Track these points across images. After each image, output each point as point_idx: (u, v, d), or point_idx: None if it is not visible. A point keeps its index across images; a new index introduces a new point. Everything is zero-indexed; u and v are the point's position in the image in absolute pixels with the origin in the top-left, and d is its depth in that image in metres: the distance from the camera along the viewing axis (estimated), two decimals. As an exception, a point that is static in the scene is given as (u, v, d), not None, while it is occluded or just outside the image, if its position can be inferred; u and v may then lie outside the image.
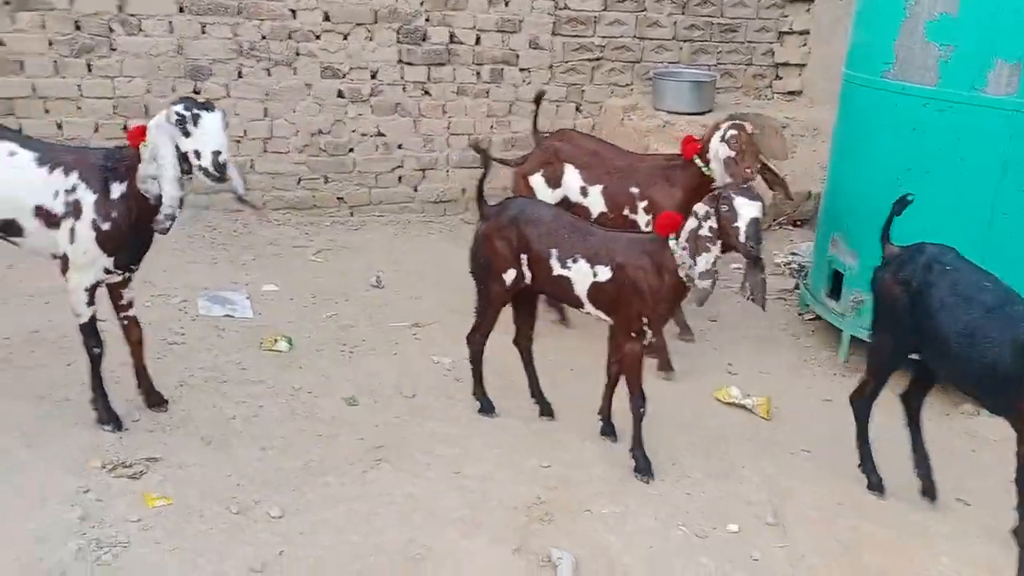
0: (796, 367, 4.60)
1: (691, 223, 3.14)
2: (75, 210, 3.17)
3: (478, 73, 6.60)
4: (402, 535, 3.02)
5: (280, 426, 3.62)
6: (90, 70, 5.66)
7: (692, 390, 4.25)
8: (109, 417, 3.38)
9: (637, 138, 6.54)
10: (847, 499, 3.42)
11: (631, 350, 3.39)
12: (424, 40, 6.37)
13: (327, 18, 6.09)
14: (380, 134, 6.44)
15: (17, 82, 5.52)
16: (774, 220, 6.36)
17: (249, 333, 4.46)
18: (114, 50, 5.69)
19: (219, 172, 3.07)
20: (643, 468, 3.48)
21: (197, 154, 3.05)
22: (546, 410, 3.89)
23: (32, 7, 5.44)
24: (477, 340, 3.76)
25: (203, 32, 5.84)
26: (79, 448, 3.21)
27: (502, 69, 6.65)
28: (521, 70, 6.71)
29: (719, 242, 3.10)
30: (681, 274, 3.17)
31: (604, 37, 6.83)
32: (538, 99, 4.99)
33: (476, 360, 3.82)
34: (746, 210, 3.03)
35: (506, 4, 6.52)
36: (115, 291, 3.45)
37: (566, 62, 6.80)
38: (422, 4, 6.29)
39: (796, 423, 4.03)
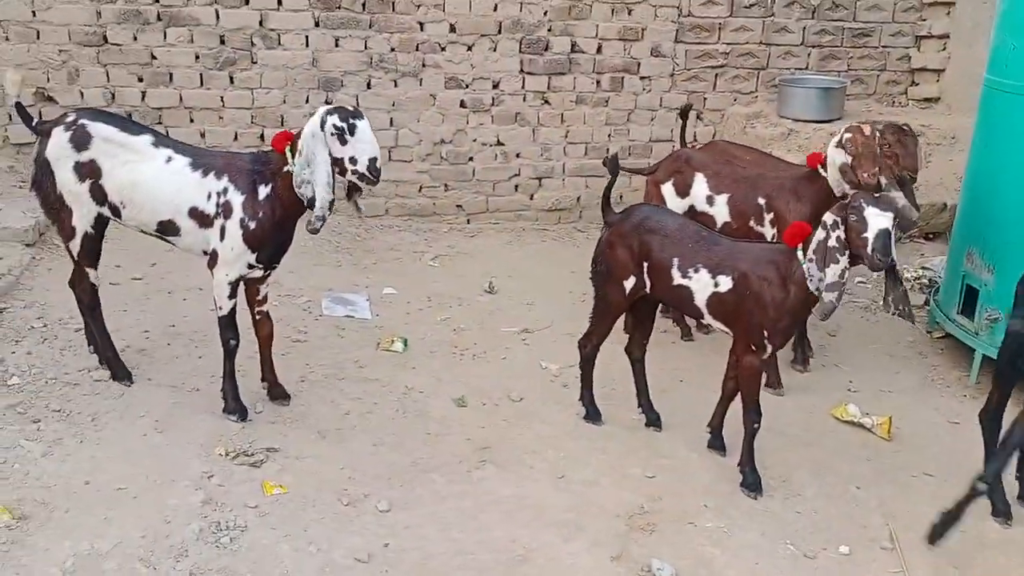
0: (922, 387, 4.38)
1: (819, 233, 3.03)
2: (226, 210, 3.40)
3: (598, 82, 6.62)
4: (505, 534, 3.07)
5: (392, 423, 3.76)
6: (232, 82, 6.03)
7: (808, 406, 4.12)
8: (236, 407, 3.59)
9: (760, 146, 6.37)
10: (970, 526, 3.23)
11: (749, 363, 3.31)
12: (546, 50, 6.45)
13: (453, 30, 6.26)
14: (499, 143, 6.56)
15: (166, 93, 5.94)
16: (904, 233, 6.06)
17: (367, 333, 4.63)
18: (254, 63, 6.04)
19: (376, 176, 3.32)
20: (752, 483, 3.41)
21: (353, 160, 3.27)
22: (653, 420, 3.86)
23: (182, 23, 5.85)
24: (590, 346, 3.76)
25: (336, 45, 6.12)
26: (206, 435, 3.43)
27: (622, 77, 6.65)
28: (642, 78, 6.69)
29: (847, 253, 2.97)
30: (810, 286, 3.04)
31: (729, 44, 6.71)
32: (685, 112, 4.95)
33: (587, 366, 3.83)
34: (876, 221, 2.89)
35: (629, 12, 6.51)
36: (252, 287, 3.67)
37: (688, 69, 6.72)
38: (545, 14, 6.38)
39: (919, 445, 3.84)
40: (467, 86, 6.39)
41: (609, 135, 6.78)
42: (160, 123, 5.96)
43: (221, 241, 3.43)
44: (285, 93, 6.13)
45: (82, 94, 5.83)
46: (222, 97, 6.03)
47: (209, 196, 3.42)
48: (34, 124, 3.51)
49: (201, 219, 3.44)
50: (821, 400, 4.16)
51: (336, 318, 4.82)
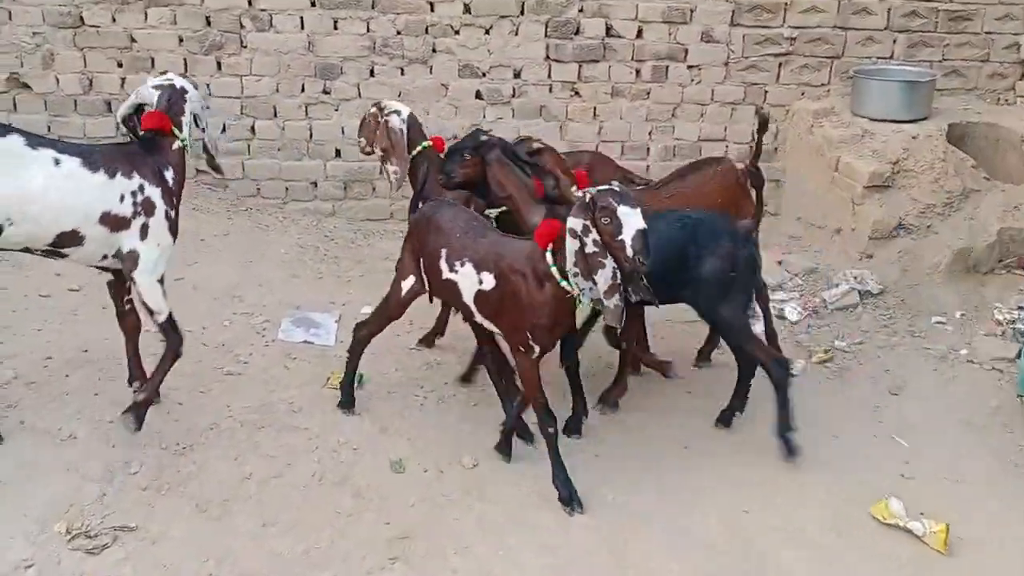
0: (1001, 474, 3.39)
1: (571, 244, 2.70)
2: (147, 208, 3.13)
3: (637, 71, 5.72)
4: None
5: (298, 494, 3.05)
6: (220, 68, 5.43)
7: (843, 496, 3.19)
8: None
9: (827, 149, 5.37)
10: None
11: (521, 365, 3.09)
12: (576, 34, 5.59)
13: (468, 10, 5.48)
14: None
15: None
16: (999, 262, 4.94)
17: (320, 365, 3.94)
18: (244, 47, 5.42)
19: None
20: (566, 498, 3.06)
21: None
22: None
23: (164, 3, 5.27)
24: (365, 332, 3.57)
25: (335, 28, 5.43)
26: (53, 503, 2.80)
27: (667, 66, 5.72)
28: (690, 67, 5.75)
29: (608, 256, 2.68)
30: (584, 301, 2.80)
31: (796, 27, 5.69)
32: (764, 123, 3.85)
33: (355, 350, 3.57)
34: (631, 220, 2.62)
35: (675, -10, 5.59)
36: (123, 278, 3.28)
37: (745, 58, 5.74)
38: (577, -8, 5.53)
39: (986, 564, 2.86)
40: (484, 75, 5.61)
41: (650, 133, 5.88)
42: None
43: (143, 240, 3.13)
44: (278, 81, 5.49)
45: (57, 80, 5.34)
46: (208, 84, 5.43)
47: (123, 198, 3.09)
48: None
49: (114, 223, 3.08)
50: (861, 488, 3.21)
51: (291, 344, 4.14)
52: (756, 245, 3.45)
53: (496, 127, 5.61)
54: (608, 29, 5.61)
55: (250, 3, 5.33)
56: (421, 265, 3.35)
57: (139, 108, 3.25)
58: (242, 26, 5.37)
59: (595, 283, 2.71)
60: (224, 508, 2.92)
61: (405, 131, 3.89)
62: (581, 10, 5.55)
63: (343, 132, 5.59)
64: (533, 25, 5.54)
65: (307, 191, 5.71)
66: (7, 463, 2.92)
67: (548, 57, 5.62)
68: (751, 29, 5.69)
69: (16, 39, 5.23)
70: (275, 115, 5.54)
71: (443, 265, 3.18)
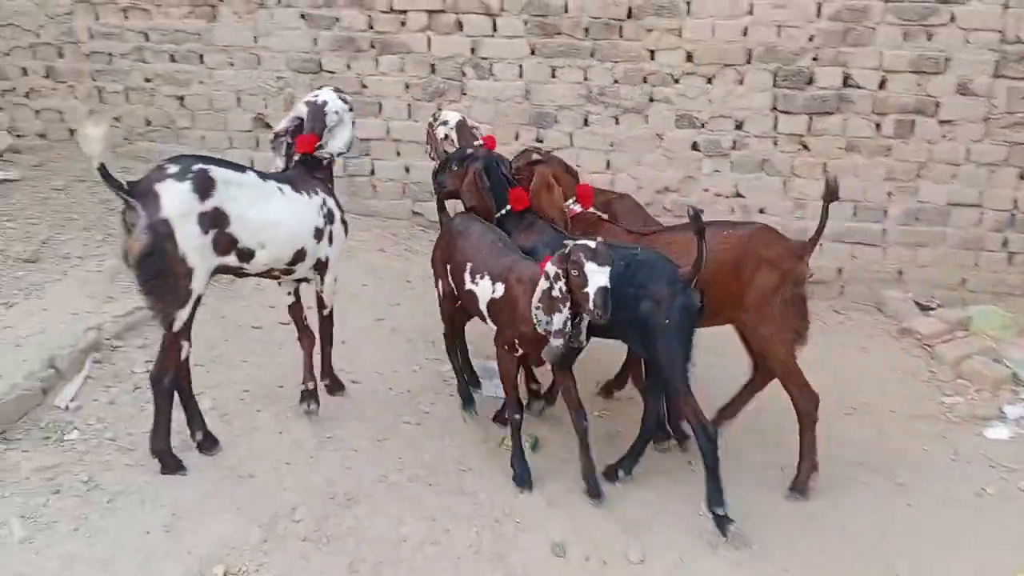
0: None
1: (543, 283, 3.07)
2: (330, 217, 3.59)
3: (878, 125, 5.18)
4: None
5: (450, 566, 2.96)
6: (440, 114, 5.58)
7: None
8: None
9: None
10: None
11: (501, 359, 3.49)
12: (809, 84, 5.17)
13: (690, 58, 5.24)
14: (738, 195, 5.39)
15: (374, 124, 5.64)
16: None
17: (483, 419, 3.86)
18: (464, 94, 5.54)
19: None
20: (518, 478, 3.43)
21: None
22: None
23: (394, 51, 5.51)
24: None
25: (552, 76, 5.41)
26: (216, 545, 2.87)
27: (913, 120, 5.14)
28: (941, 122, 5.12)
29: (568, 303, 3.01)
30: (539, 329, 3.12)
31: (1078, 80, 4.89)
32: (832, 193, 3.39)
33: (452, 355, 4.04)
34: (596, 277, 2.90)
35: (929, 37, 5.01)
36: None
37: (1010, 113, 5.01)
38: (811, 40, 5.11)
39: None
40: (702, 125, 5.32)
41: (889, 193, 5.31)
42: (368, 155, 5.70)
43: (331, 246, 3.62)
44: (494, 128, 5.51)
45: (296, 122, 5.72)
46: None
47: (319, 212, 3.54)
48: (125, 188, 2.90)
49: (319, 236, 3.54)
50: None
51: (481, 397, 4.09)
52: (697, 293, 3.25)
53: (712, 180, 5.36)
54: (846, 79, 5.13)
55: (473, 51, 5.43)
56: (448, 271, 3.70)
57: (299, 123, 3.62)
58: (464, 74, 5.49)
59: (552, 320, 3.03)
60: (375, 571, 2.87)
61: (455, 139, 4.15)
62: (815, 58, 5.13)
63: (553, 180, 5.53)
64: (760, 74, 5.19)
65: (513, 237, 5.70)
66: (188, 495, 3.07)
67: (775, 108, 5.24)
68: (1019, 82, 4.96)
69: (263, 83, 5.68)
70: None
71: (467, 277, 3.52)
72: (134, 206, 2.88)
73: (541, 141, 5.50)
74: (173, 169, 3.02)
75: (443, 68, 5.50)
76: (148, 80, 5.82)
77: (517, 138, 5.52)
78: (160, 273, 2.96)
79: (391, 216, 5.78)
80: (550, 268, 3.01)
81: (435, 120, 4.26)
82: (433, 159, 4.18)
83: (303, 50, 5.58)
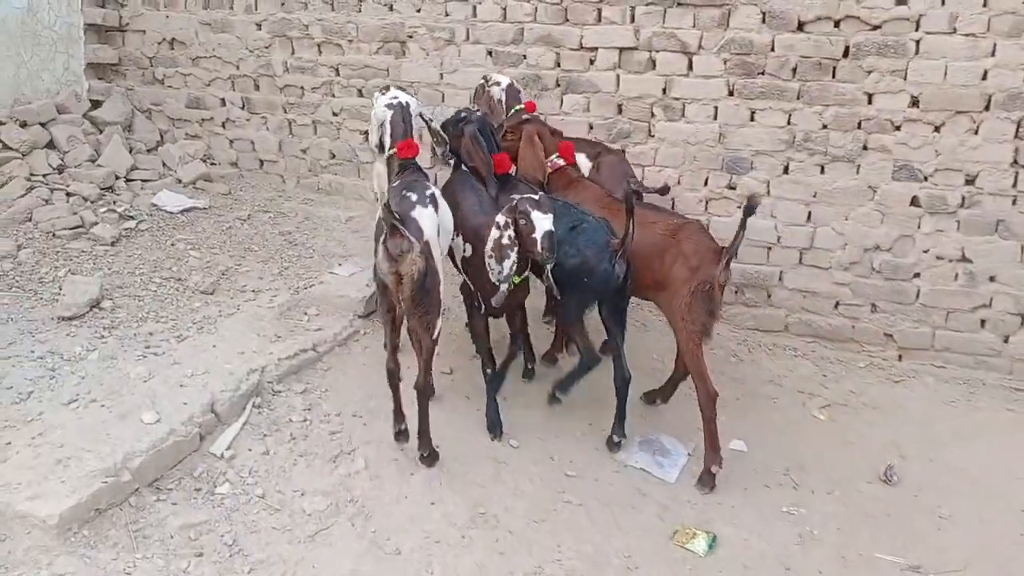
0: None
1: (494, 233, 3.40)
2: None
3: None
4: None
5: None
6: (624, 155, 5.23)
7: None
8: None
9: None
10: None
11: (471, 315, 3.93)
12: (1063, 135, 4.39)
13: (915, 103, 4.60)
14: (964, 259, 4.66)
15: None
16: None
17: (672, 509, 3.43)
18: (651, 136, 5.15)
19: None
20: (491, 424, 3.80)
21: None
22: None
23: (580, 90, 5.22)
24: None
25: (751, 119, 4.92)
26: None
27: None
28: None
29: (516, 249, 3.37)
30: (492, 278, 3.46)
31: None
32: (750, 209, 3.51)
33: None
34: (541, 223, 3.32)
35: None
36: None
37: None
38: (1067, 85, 4.34)
39: None
40: (925, 178, 4.65)
41: None
42: (544, 195, 5.43)
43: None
44: (681, 173, 5.13)
45: (474, 160, 5.56)
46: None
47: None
48: (399, 219, 3.23)
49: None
50: None
51: (641, 473, 3.68)
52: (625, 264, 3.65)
53: (933, 240, 4.70)
54: (1109, 132, 4.31)
55: (664, 91, 5.05)
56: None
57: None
58: (652, 115, 5.11)
59: (502, 268, 3.38)
60: None
61: (504, 99, 4.63)
62: (1076, 105, 4.35)
63: (744, 231, 5.03)
64: (1000, 123, 4.47)
65: (696, 291, 5.23)
66: (329, 571, 2.85)
67: (1015, 162, 4.49)
68: None
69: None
70: (672, 207, 5.17)
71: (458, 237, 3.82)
72: (406, 234, 3.19)
73: (733, 187, 5.03)
74: (415, 196, 3.45)
75: (630, 109, 5.15)
76: (335, 114, 5.86)
77: (706, 184, 5.08)
78: (430, 289, 3.29)
79: (565, 261, 5.48)
80: (500, 218, 3.40)
81: (487, 82, 4.67)
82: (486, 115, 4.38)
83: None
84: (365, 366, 4.16)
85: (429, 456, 3.47)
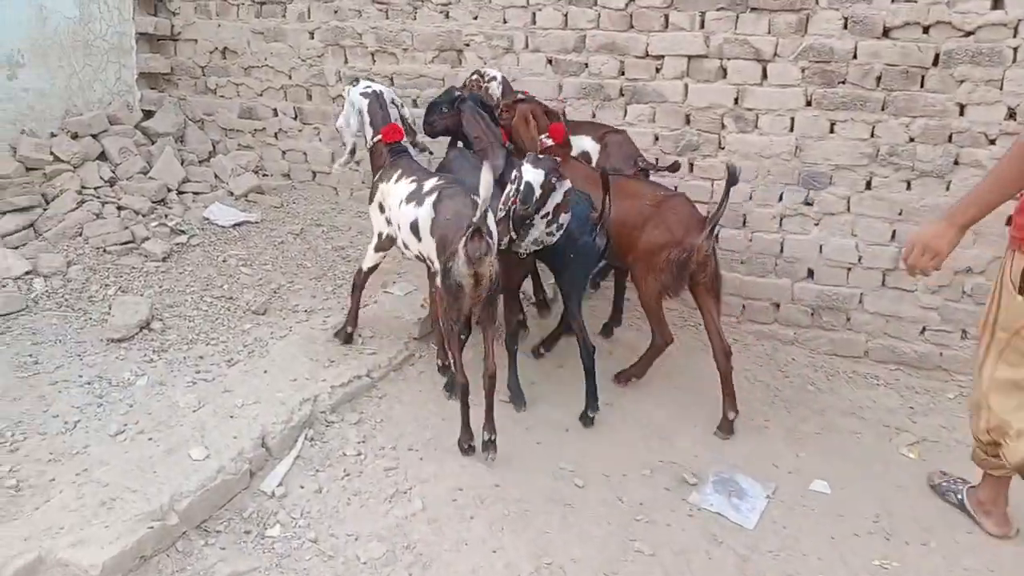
0: None
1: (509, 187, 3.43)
2: None
3: None
4: None
5: None
6: (691, 170, 4.96)
7: None
8: None
9: None
10: None
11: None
12: None
13: (1012, 116, 4.25)
14: (1066, 285, 4.28)
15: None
16: None
17: (753, 559, 3.14)
18: (721, 148, 4.87)
19: None
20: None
21: None
22: None
23: (646, 99, 4.97)
24: None
25: (831, 131, 4.61)
26: None
27: None
28: None
29: (512, 204, 3.39)
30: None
31: None
32: (732, 180, 3.65)
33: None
34: (526, 174, 3.34)
35: None
36: None
37: None
38: None
39: None
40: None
41: None
42: (606, 210, 5.18)
43: None
44: (753, 187, 4.84)
45: (533, 172, 5.33)
46: (676, 187, 4.97)
47: None
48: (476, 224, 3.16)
49: None
50: None
51: (717, 517, 3.41)
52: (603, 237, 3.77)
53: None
54: None
55: (736, 101, 4.76)
56: None
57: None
58: (723, 126, 4.83)
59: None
60: None
61: (501, 92, 4.63)
62: None
63: (820, 250, 4.73)
64: (1110, 136, 4.08)
65: (767, 312, 4.94)
66: None
67: None
68: None
69: (504, 131, 5.34)
70: (743, 224, 4.89)
71: None
72: (485, 237, 3.15)
73: (810, 204, 4.73)
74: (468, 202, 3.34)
75: (699, 119, 4.87)
76: (389, 124, 5.67)
77: (781, 199, 4.78)
78: (498, 283, 3.34)
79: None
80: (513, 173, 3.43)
81: (483, 77, 4.66)
82: None
83: (546, 97, 5.16)
84: (420, 392, 3.96)
85: (493, 442, 3.48)
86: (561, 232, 3.58)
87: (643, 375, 4.29)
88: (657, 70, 4.92)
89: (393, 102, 4.06)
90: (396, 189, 3.74)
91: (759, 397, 4.36)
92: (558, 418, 3.92)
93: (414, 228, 3.54)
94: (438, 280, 3.38)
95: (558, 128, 4.37)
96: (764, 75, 4.67)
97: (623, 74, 5.00)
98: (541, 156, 3.41)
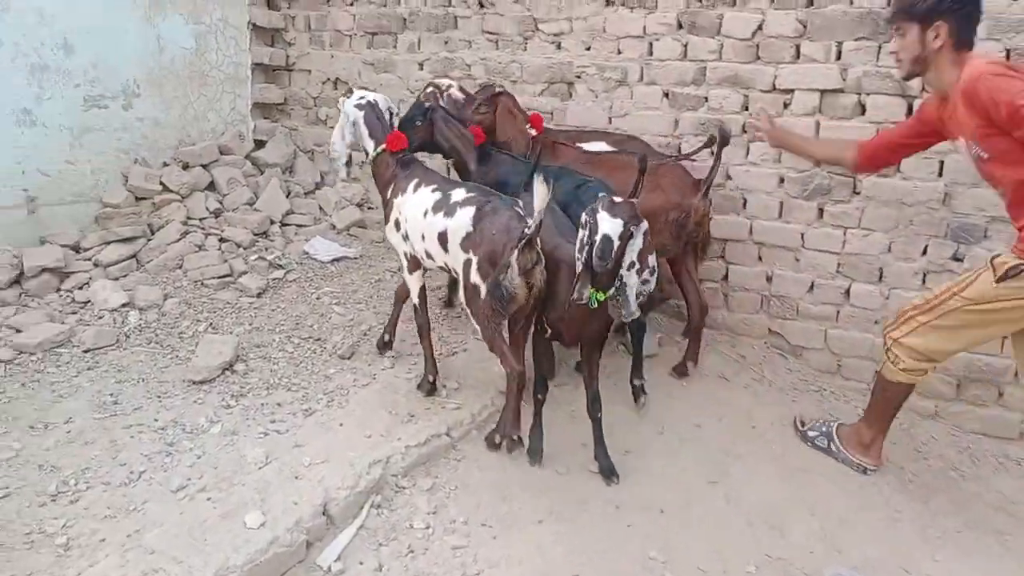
0: None
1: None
2: None
3: None
4: None
5: None
6: (820, 216, 4.44)
7: None
8: None
9: None
10: None
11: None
12: None
13: None
14: None
15: (734, 222, 4.66)
16: None
17: None
18: (856, 194, 4.34)
19: None
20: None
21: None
22: None
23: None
24: None
25: (987, 176, 4.00)
26: None
27: None
28: None
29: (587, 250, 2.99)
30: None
31: None
32: (723, 139, 4.00)
33: None
34: (604, 225, 2.91)
35: None
36: None
37: None
38: None
39: None
40: None
41: None
42: (722, 257, 4.74)
43: None
44: (891, 239, 4.28)
45: (644, 213, 4.95)
46: (803, 235, 4.49)
47: None
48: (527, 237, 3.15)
49: None
50: None
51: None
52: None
53: None
54: None
55: (875, 141, 4.22)
56: None
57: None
58: (859, 168, 4.29)
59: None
60: None
61: (463, 98, 4.50)
62: None
63: (971, 313, 4.11)
64: None
65: (905, 380, 4.35)
66: None
67: None
68: None
69: (613, 169, 4.99)
70: (879, 279, 4.33)
71: None
72: (536, 247, 3.13)
73: (959, 260, 4.13)
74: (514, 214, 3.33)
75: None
76: (494, 158, 5.44)
77: (925, 253, 4.20)
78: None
79: (741, 334, 4.75)
80: (583, 216, 3.05)
81: (440, 88, 4.52)
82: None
83: (661, 133, 4.80)
84: (502, 455, 3.65)
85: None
86: (655, 275, 3.20)
87: (698, 353, 4.38)
88: (785, 105, 4.44)
89: (389, 110, 3.97)
90: (415, 199, 3.66)
91: (890, 481, 3.79)
92: (652, 495, 3.51)
93: (442, 239, 3.49)
94: (482, 292, 3.29)
95: (537, 117, 4.48)
96: (909, 112, 4.13)
97: (746, 109, 4.55)
98: (618, 201, 2.97)
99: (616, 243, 2.88)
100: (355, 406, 3.77)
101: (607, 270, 2.95)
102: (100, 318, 4.33)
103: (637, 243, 2.99)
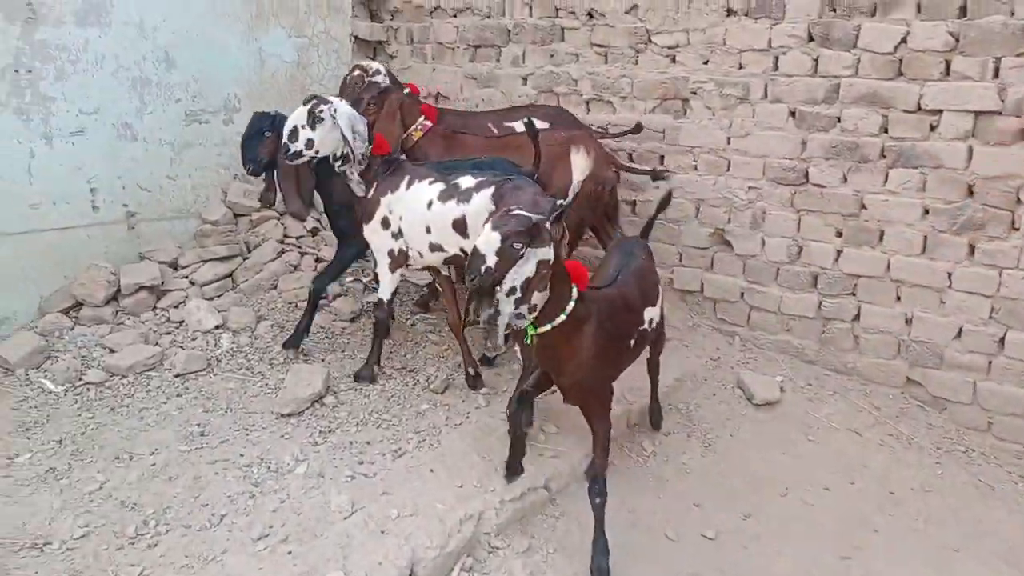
0: None
1: None
2: None
3: None
4: None
5: None
6: (972, 253, 3.94)
7: None
8: None
9: None
10: None
11: None
12: None
13: None
14: None
15: (870, 257, 4.20)
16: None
17: None
18: (1015, 230, 3.82)
19: None
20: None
21: None
22: None
23: (915, 163, 4.02)
24: None
25: None
26: None
27: None
28: None
29: None
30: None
31: None
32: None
33: None
34: (481, 237, 2.55)
35: None
36: None
37: None
38: None
39: None
40: None
41: None
42: (853, 294, 4.28)
43: None
44: (1058, 288, 3.75)
45: (763, 242, 4.54)
46: (950, 274, 3.99)
47: None
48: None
49: None
50: None
51: None
52: None
53: None
54: None
55: (1039, 172, 3.71)
56: None
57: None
58: (1019, 201, 3.79)
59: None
60: None
61: (389, 83, 4.43)
62: None
63: None
64: None
65: (1049, 438, 3.82)
66: None
67: None
68: None
69: (730, 192, 4.60)
70: (1038, 326, 3.81)
71: None
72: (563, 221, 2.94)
73: None
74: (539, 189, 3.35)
75: (987, 192, 3.85)
76: (601, 179, 5.11)
77: (1098, 302, 3.65)
78: None
79: (875, 381, 4.27)
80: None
81: (367, 72, 4.43)
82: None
83: (786, 156, 4.38)
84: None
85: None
86: (534, 315, 2.69)
87: None
88: (932, 128, 3.96)
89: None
90: (413, 195, 3.63)
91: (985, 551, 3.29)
92: (771, 568, 3.12)
93: (458, 225, 3.47)
94: None
95: (430, 108, 4.31)
96: (1084, 138, 3.60)
97: (886, 131, 4.09)
98: (514, 214, 2.56)
99: (489, 259, 2.48)
100: (446, 449, 3.51)
101: (479, 287, 2.52)
102: (193, 339, 4.23)
103: (527, 269, 2.51)
